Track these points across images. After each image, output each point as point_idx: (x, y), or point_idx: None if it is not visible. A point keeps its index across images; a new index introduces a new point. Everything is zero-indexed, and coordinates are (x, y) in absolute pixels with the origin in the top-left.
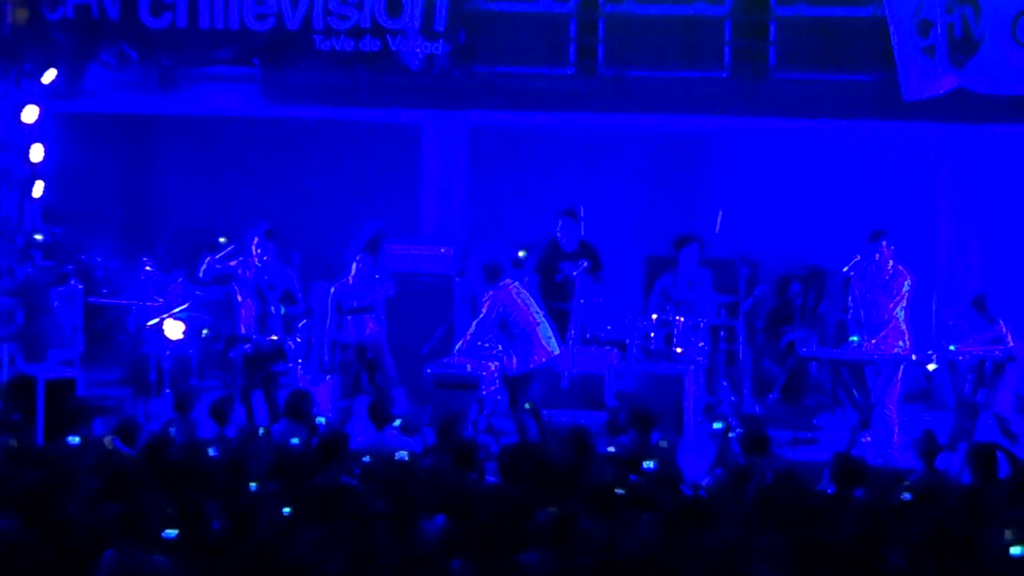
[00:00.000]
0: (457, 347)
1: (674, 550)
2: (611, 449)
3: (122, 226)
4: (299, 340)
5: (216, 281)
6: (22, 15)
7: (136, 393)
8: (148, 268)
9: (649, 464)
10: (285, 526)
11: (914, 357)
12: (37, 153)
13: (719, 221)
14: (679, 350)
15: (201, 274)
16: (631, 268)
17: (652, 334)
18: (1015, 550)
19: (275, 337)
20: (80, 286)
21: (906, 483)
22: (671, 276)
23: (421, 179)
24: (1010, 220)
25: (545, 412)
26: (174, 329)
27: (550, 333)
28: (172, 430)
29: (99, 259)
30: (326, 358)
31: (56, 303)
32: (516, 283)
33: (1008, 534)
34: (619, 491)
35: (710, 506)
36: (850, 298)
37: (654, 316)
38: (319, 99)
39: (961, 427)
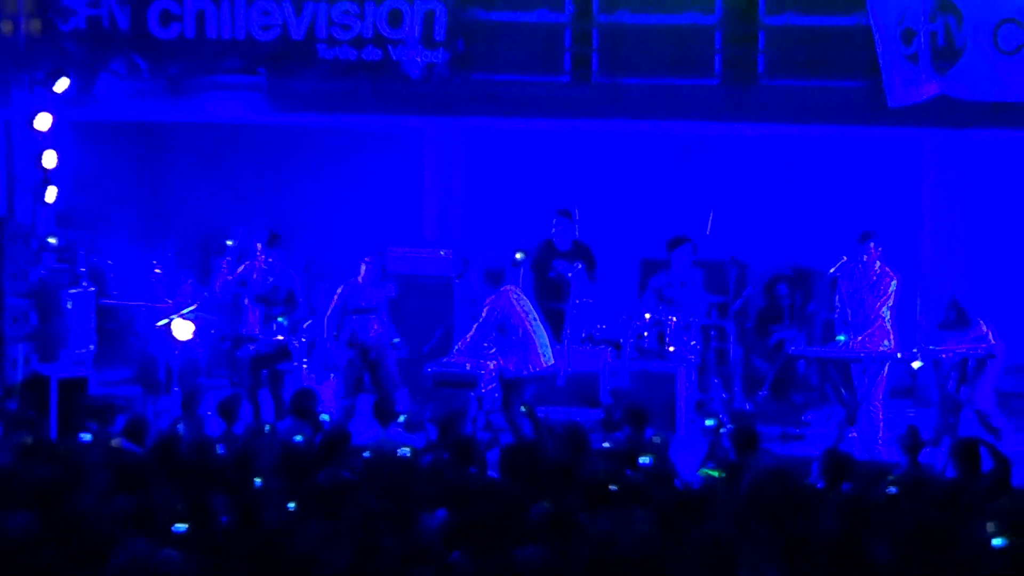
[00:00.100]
0: (456, 347)
1: (668, 544)
2: (606, 445)
3: (133, 230)
4: (303, 340)
5: (232, 293)
6: (35, 26)
7: (146, 392)
8: (158, 270)
9: (645, 459)
10: (290, 520)
11: (899, 355)
12: (50, 159)
13: (710, 223)
14: (672, 349)
15: (219, 292)
16: (626, 270)
17: (645, 333)
18: (997, 541)
19: (280, 337)
20: (92, 288)
21: (891, 477)
22: (664, 276)
23: (422, 183)
24: (992, 222)
25: (541, 409)
26: (183, 329)
27: (546, 342)
28: (180, 427)
29: (110, 262)
30: (330, 355)
31: (69, 305)
32: (516, 289)
33: (990, 526)
34: (613, 487)
35: (703, 500)
36: (837, 298)
37: (647, 316)
38: (323, 106)
39: (945, 423)
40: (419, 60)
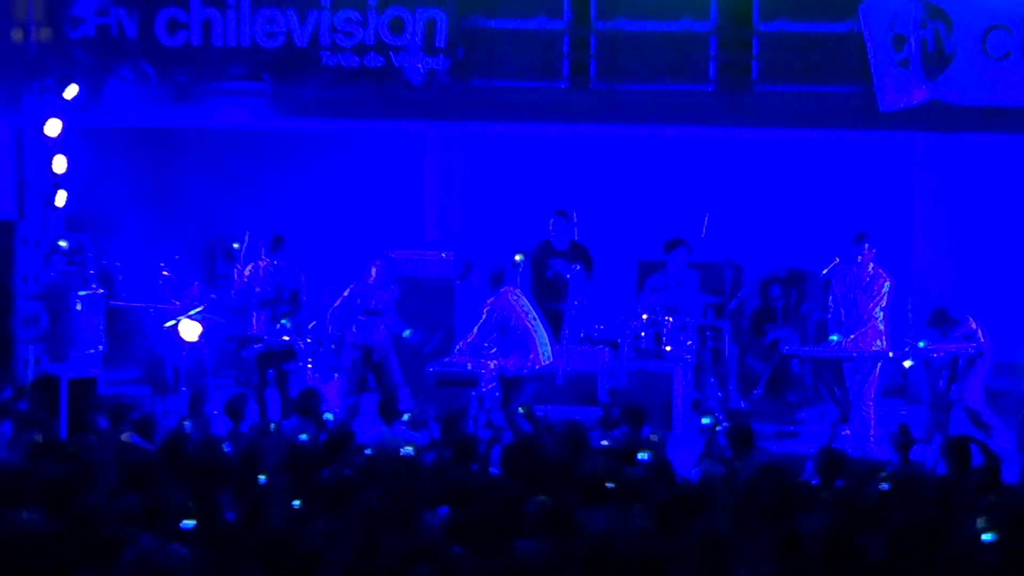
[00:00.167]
0: (457, 347)
1: (666, 540)
2: (604, 443)
3: (141, 233)
4: (308, 340)
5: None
6: (45, 34)
7: (154, 391)
8: (165, 273)
9: (644, 455)
10: (295, 517)
11: (891, 354)
12: (60, 164)
13: (705, 226)
14: (668, 348)
15: (235, 298)
16: (623, 271)
17: (643, 333)
18: (986, 536)
19: (286, 337)
20: (101, 290)
21: (883, 474)
22: (660, 277)
23: (423, 187)
24: (981, 223)
25: (541, 408)
26: (190, 330)
27: (546, 340)
28: (187, 425)
29: (119, 264)
30: (332, 353)
31: (78, 306)
32: (516, 290)
33: (980, 522)
34: (609, 484)
35: (700, 496)
36: (830, 298)
37: (644, 316)
38: (326, 112)
39: (936, 421)
40: (420, 67)
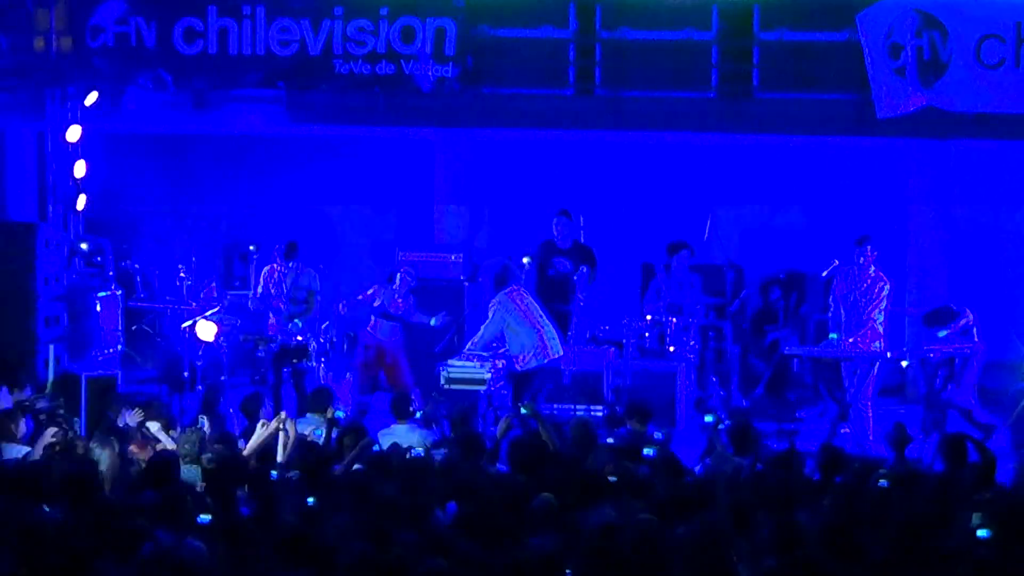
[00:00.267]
0: (466, 347)
1: (669, 533)
2: (610, 440)
3: (159, 236)
4: (322, 340)
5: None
6: (66, 43)
7: (171, 390)
8: (183, 274)
9: (649, 451)
10: (309, 511)
11: (889, 355)
12: (80, 169)
13: (707, 229)
14: (672, 348)
15: (260, 302)
16: (628, 273)
17: (647, 334)
18: (982, 532)
19: (300, 337)
20: (120, 291)
21: (882, 471)
22: (664, 278)
23: (432, 191)
24: (975, 227)
25: (548, 407)
26: (206, 330)
27: (554, 335)
28: (202, 423)
29: (137, 266)
30: (349, 353)
31: (98, 307)
32: (522, 289)
33: (976, 518)
34: (612, 478)
35: (704, 492)
36: (831, 298)
37: (648, 317)
38: (339, 118)
39: (932, 419)
40: (430, 74)
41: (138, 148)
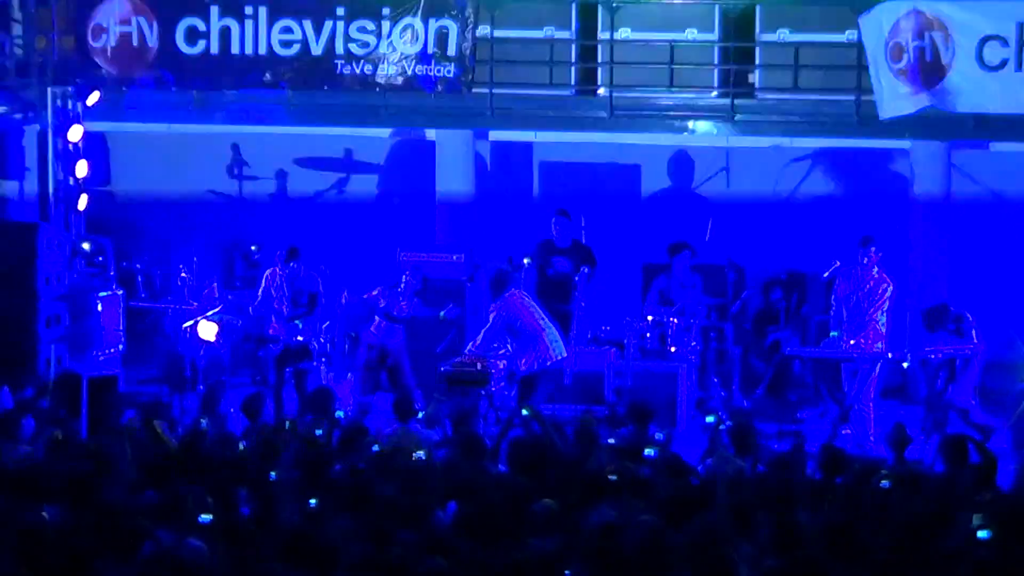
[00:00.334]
0: (468, 347)
1: (670, 533)
2: (611, 441)
3: (160, 236)
4: (323, 340)
5: (267, 300)
6: (69, 43)
7: (172, 389)
8: (184, 274)
9: (650, 451)
10: (310, 512)
11: (890, 355)
12: (82, 169)
13: (709, 230)
14: (673, 349)
15: (262, 304)
16: (629, 274)
17: (648, 334)
18: (982, 533)
19: (301, 338)
20: (121, 291)
21: (884, 471)
22: (665, 279)
23: (434, 191)
24: (977, 229)
25: (549, 407)
26: (207, 330)
27: (557, 337)
28: (204, 423)
29: (139, 266)
30: (350, 354)
31: (99, 307)
32: (522, 292)
33: (976, 519)
34: (612, 477)
35: (705, 492)
36: (832, 297)
37: (649, 317)
38: (341, 119)
39: (934, 420)
40: (433, 75)
41: (140, 148)
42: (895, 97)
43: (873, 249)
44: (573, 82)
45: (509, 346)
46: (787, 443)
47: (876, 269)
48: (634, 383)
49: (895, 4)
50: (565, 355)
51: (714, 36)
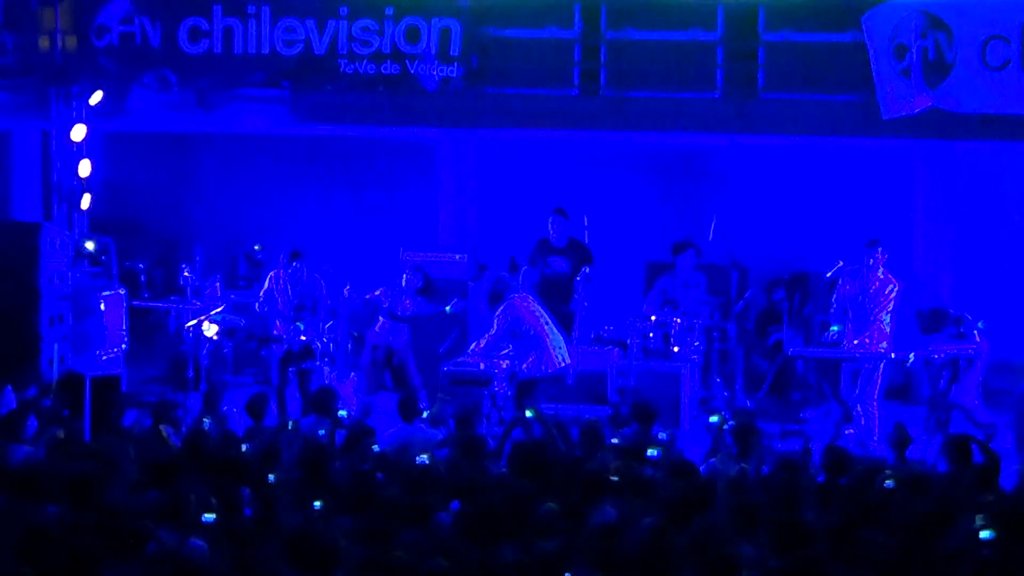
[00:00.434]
0: (471, 348)
1: (673, 533)
2: (615, 441)
3: (163, 235)
4: (326, 340)
5: (270, 302)
6: (72, 42)
7: (175, 389)
8: (187, 274)
9: (653, 451)
10: (311, 511)
11: (893, 355)
12: (85, 168)
13: (712, 229)
14: (676, 349)
15: (260, 308)
16: (632, 273)
17: (651, 334)
18: (985, 533)
19: (304, 338)
20: (124, 291)
21: (888, 471)
22: (668, 279)
23: (437, 191)
24: (980, 228)
25: (552, 407)
26: (210, 330)
27: (561, 343)
28: (207, 423)
29: (142, 265)
30: (354, 354)
31: (102, 306)
32: (529, 296)
33: (979, 519)
34: (614, 478)
35: (707, 492)
36: (834, 296)
37: (653, 317)
38: (343, 118)
39: (937, 420)
40: (435, 74)
41: (143, 147)
42: (898, 97)
43: (879, 251)
44: (576, 81)
45: (510, 348)
46: (790, 443)
47: (882, 270)
48: (637, 383)
49: (899, 4)
50: (569, 362)
51: (717, 36)
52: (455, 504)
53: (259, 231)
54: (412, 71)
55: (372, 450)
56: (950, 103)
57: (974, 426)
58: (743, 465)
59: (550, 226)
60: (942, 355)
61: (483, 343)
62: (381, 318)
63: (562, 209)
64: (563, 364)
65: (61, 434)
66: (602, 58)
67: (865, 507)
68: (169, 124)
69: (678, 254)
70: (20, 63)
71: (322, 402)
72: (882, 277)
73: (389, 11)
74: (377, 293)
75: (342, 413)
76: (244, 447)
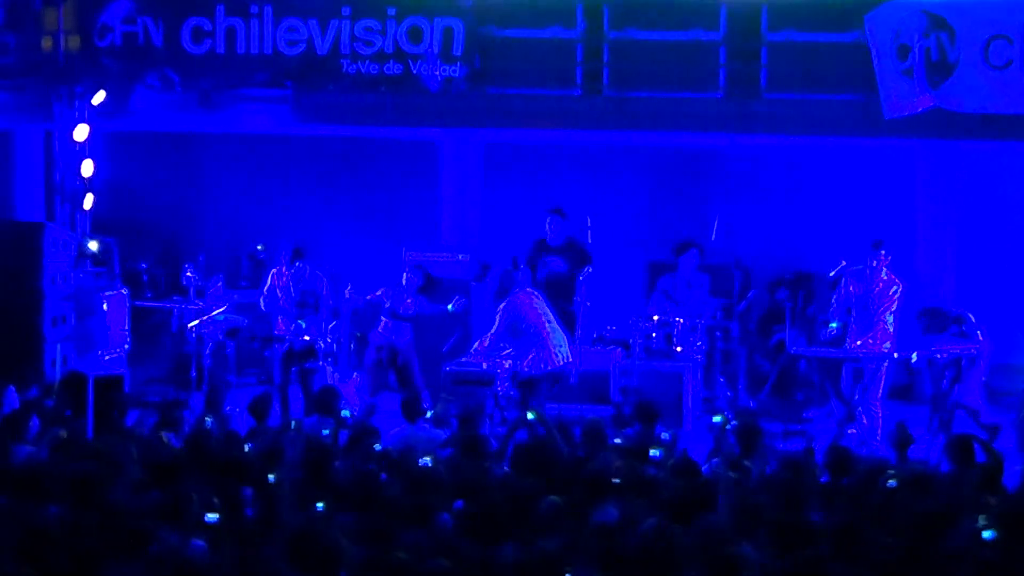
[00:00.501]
0: (474, 347)
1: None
2: (617, 441)
3: (165, 235)
4: (328, 340)
5: (272, 300)
6: (74, 42)
7: (178, 389)
8: (189, 274)
9: (656, 452)
10: (314, 511)
11: (896, 355)
12: (88, 168)
13: (715, 229)
14: (679, 349)
15: (267, 302)
16: (634, 273)
17: (654, 334)
18: (987, 533)
19: (307, 337)
20: (127, 291)
21: (891, 471)
22: (671, 278)
23: (440, 191)
24: (982, 228)
25: (554, 407)
26: (211, 329)
27: (563, 340)
28: (209, 423)
29: (144, 265)
30: (357, 354)
31: (105, 306)
32: (533, 292)
33: (981, 520)
34: (616, 480)
35: (710, 492)
36: (835, 296)
37: (655, 317)
38: (346, 118)
39: (940, 420)
40: (438, 74)
41: (145, 147)
42: (901, 97)
43: (883, 252)
44: (578, 81)
45: (513, 347)
46: (793, 443)
47: (886, 271)
48: (640, 383)
49: (901, 3)
50: (570, 360)
51: (720, 35)
52: (458, 504)
53: (262, 231)
54: (415, 71)
55: (375, 450)
56: (953, 103)
57: (978, 426)
58: (745, 465)
59: (547, 226)
60: (945, 355)
61: (486, 342)
62: (383, 318)
63: (559, 209)
64: (564, 361)
65: (63, 434)
66: (605, 58)
67: (868, 507)
68: (172, 124)
69: (680, 254)
70: (23, 63)
71: (325, 402)
72: (886, 278)
73: (392, 11)
74: (378, 293)
75: (345, 413)
76: (247, 447)
